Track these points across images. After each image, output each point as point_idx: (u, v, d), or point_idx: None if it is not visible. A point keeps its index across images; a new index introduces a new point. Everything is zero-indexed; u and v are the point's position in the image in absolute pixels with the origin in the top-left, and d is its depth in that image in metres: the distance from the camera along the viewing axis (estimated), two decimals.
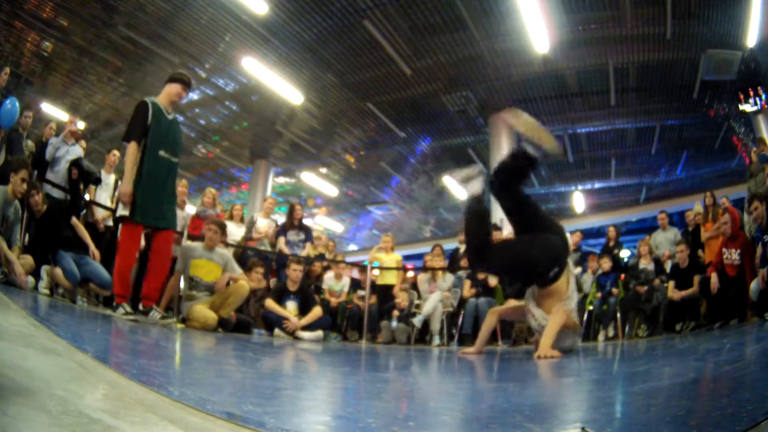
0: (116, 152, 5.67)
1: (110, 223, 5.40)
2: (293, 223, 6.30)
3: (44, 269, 3.88)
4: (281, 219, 7.03)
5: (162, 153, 3.52)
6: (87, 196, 5.14)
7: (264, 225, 6.29)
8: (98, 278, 4.04)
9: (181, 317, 4.22)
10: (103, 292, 4.18)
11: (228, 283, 4.44)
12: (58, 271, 3.82)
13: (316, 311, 4.97)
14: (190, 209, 6.51)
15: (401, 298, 6.02)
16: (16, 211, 3.87)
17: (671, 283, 5.45)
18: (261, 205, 10.88)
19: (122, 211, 3.39)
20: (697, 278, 5.25)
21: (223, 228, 4.51)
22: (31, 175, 3.96)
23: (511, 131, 2.88)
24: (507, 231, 7.99)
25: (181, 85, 3.68)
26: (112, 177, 5.60)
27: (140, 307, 3.53)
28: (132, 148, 3.41)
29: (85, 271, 3.98)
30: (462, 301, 5.96)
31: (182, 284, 4.43)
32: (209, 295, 4.34)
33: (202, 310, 4.12)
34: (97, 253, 4.25)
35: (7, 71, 5.28)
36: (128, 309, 3.36)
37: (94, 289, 4.15)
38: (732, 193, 6.59)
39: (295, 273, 5.08)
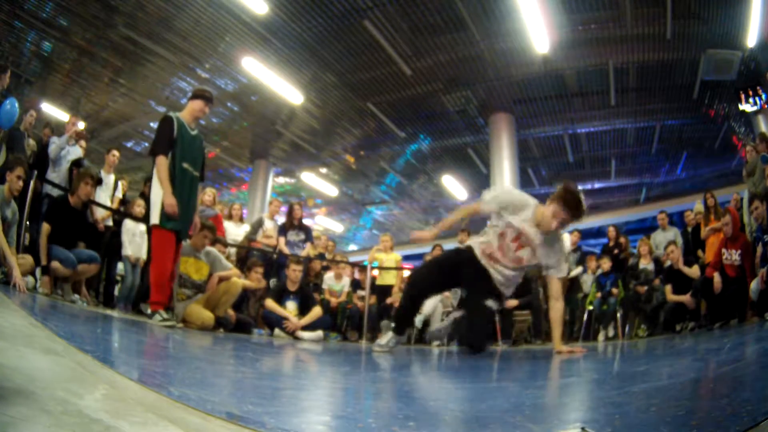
0: (116, 152, 5.67)
1: (110, 222, 5.41)
2: (293, 223, 6.30)
3: (38, 270, 3.87)
4: (281, 219, 7.03)
5: (185, 165, 3.60)
6: None
7: (271, 227, 6.30)
8: (86, 255, 4.10)
9: (181, 318, 4.22)
10: (91, 268, 4.21)
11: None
12: (55, 263, 3.82)
13: (316, 311, 4.97)
14: None
15: (396, 299, 6.02)
16: (14, 212, 3.86)
17: (669, 287, 5.44)
18: (262, 206, 10.93)
19: (155, 220, 3.48)
20: (696, 271, 5.26)
21: (214, 233, 4.57)
22: (27, 173, 3.95)
23: None
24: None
25: (203, 101, 3.77)
26: (112, 177, 5.60)
27: (144, 310, 3.56)
28: (162, 161, 3.49)
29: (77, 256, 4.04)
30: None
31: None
32: (198, 293, 4.34)
33: (198, 310, 4.12)
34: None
35: (8, 74, 5.28)
36: (165, 315, 3.41)
37: (83, 270, 4.13)
38: (731, 193, 6.56)
39: (294, 273, 5.08)
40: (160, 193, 3.48)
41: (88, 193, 4.28)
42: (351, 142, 10.91)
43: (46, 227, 3.95)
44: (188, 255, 4.33)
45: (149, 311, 3.52)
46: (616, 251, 6.73)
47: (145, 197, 4.86)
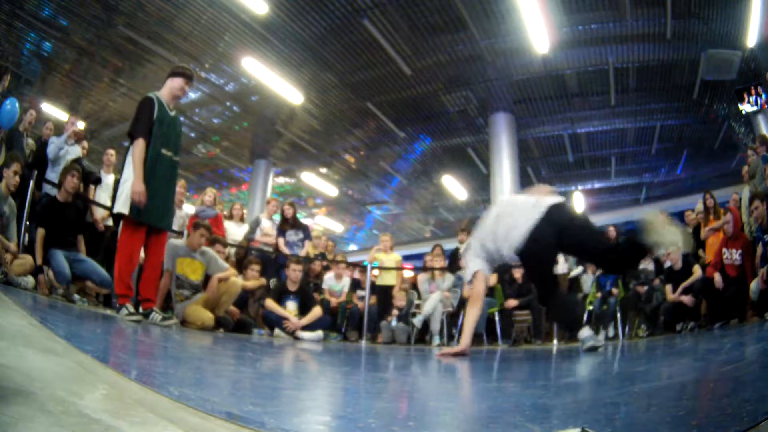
0: (111, 151, 5.68)
1: (110, 222, 5.41)
2: (290, 223, 6.30)
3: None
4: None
5: (164, 151, 3.42)
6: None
7: (268, 226, 6.30)
8: (97, 276, 3.99)
9: (180, 319, 4.22)
10: (102, 290, 4.15)
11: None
12: (50, 275, 3.79)
13: (316, 311, 4.97)
14: (189, 208, 6.51)
15: (398, 298, 6.02)
16: (11, 207, 3.86)
17: (668, 287, 5.44)
18: (262, 206, 10.93)
19: (120, 209, 3.26)
20: (696, 269, 5.26)
21: (210, 232, 4.54)
22: (23, 168, 3.94)
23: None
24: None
25: (183, 78, 3.55)
26: (111, 177, 5.60)
27: (140, 309, 3.52)
28: (140, 144, 3.28)
29: (81, 269, 3.94)
30: (462, 301, 5.95)
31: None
32: (196, 293, 4.34)
33: (198, 310, 4.12)
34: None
35: (9, 76, 5.30)
36: (131, 309, 3.32)
37: (91, 287, 4.12)
38: (730, 193, 6.56)
39: (294, 273, 5.08)
40: (131, 179, 3.23)
41: (75, 185, 4.12)
42: (351, 142, 10.92)
43: (41, 232, 3.89)
44: (184, 255, 4.32)
45: (117, 305, 3.40)
46: None
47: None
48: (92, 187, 5.18)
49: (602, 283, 6.22)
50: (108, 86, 8.98)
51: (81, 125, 5.75)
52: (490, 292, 5.96)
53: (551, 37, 6.89)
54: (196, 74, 8.48)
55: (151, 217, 3.37)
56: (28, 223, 4.10)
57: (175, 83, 3.53)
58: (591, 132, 10.24)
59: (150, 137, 3.33)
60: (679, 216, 8.35)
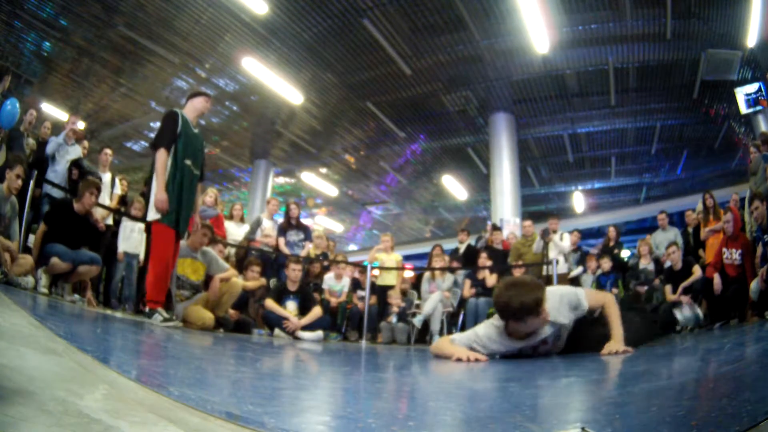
0: (108, 150, 5.70)
1: (110, 221, 5.42)
2: (291, 223, 6.30)
3: (41, 270, 3.85)
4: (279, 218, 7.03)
5: (187, 162, 3.59)
6: None
7: (269, 226, 6.30)
8: (87, 256, 4.04)
9: (181, 319, 4.22)
10: (93, 269, 4.17)
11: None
12: (54, 259, 3.79)
13: (316, 311, 4.97)
14: None
15: (393, 297, 6.02)
16: (13, 207, 3.86)
17: (668, 287, 5.44)
18: (262, 206, 10.93)
19: (155, 216, 3.42)
20: (696, 270, 5.26)
21: (212, 232, 4.58)
22: (26, 171, 3.95)
23: None
24: (506, 231, 8.01)
25: (203, 97, 3.83)
26: (108, 175, 5.61)
27: (145, 309, 3.55)
28: (162, 155, 3.45)
29: (72, 258, 3.95)
30: (462, 301, 5.96)
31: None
32: (196, 294, 4.35)
33: (198, 310, 4.12)
34: None
35: (10, 77, 5.31)
36: (165, 315, 3.37)
37: (83, 272, 4.09)
38: (730, 193, 6.56)
39: (294, 273, 5.08)
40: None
41: (93, 203, 4.29)
42: (351, 142, 10.92)
43: (42, 227, 3.92)
44: (185, 256, 4.32)
45: (147, 310, 3.50)
46: (616, 251, 6.74)
47: (145, 196, 4.86)
48: None
49: (602, 282, 6.22)
50: (108, 86, 8.98)
51: (81, 125, 5.76)
52: (490, 292, 5.95)
53: (551, 37, 6.89)
54: (196, 74, 8.50)
55: (182, 223, 3.54)
56: (26, 222, 4.10)
57: (196, 102, 3.80)
58: (591, 132, 10.25)
59: (172, 148, 3.52)
60: (679, 216, 8.38)
